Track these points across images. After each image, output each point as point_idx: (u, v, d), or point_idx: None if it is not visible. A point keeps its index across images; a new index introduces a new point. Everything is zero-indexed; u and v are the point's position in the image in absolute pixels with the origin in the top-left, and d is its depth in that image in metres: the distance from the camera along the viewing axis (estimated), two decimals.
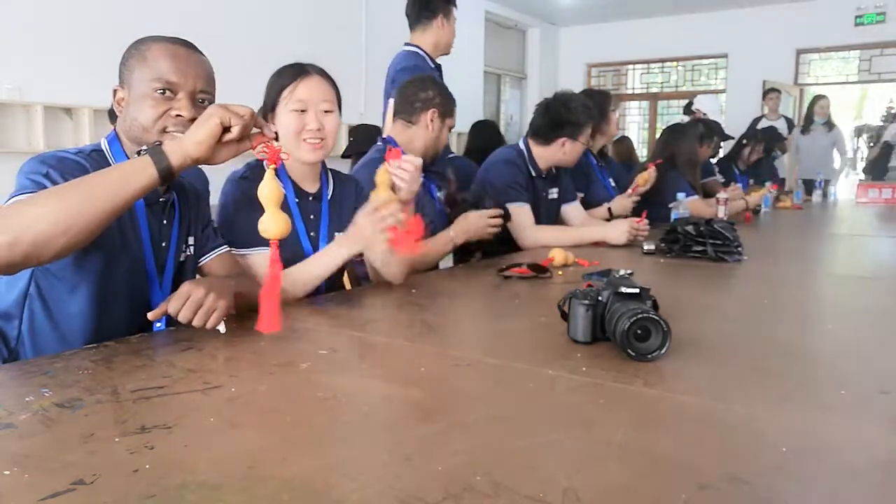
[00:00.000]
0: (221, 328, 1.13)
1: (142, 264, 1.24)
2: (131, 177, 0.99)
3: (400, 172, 1.56)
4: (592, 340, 1.09)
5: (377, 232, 1.43)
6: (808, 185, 5.50)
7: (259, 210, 1.49)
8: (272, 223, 1.08)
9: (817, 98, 6.82)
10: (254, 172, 1.55)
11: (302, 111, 1.52)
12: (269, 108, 1.57)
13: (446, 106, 2.16)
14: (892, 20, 7.09)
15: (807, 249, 2.76)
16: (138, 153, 1.03)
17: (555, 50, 9.16)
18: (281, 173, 1.58)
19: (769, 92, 7.00)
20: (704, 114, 4.85)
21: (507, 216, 2.16)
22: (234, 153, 1.07)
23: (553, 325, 1.19)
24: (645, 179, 3.10)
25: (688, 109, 5.34)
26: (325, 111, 1.53)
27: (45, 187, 1.05)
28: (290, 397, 0.87)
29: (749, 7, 7.72)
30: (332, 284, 1.70)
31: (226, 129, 1.02)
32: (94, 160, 1.19)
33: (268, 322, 1.07)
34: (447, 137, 2.22)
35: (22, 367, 0.99)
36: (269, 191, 1.08)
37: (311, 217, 1.60)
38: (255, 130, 1.08)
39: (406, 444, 0.72)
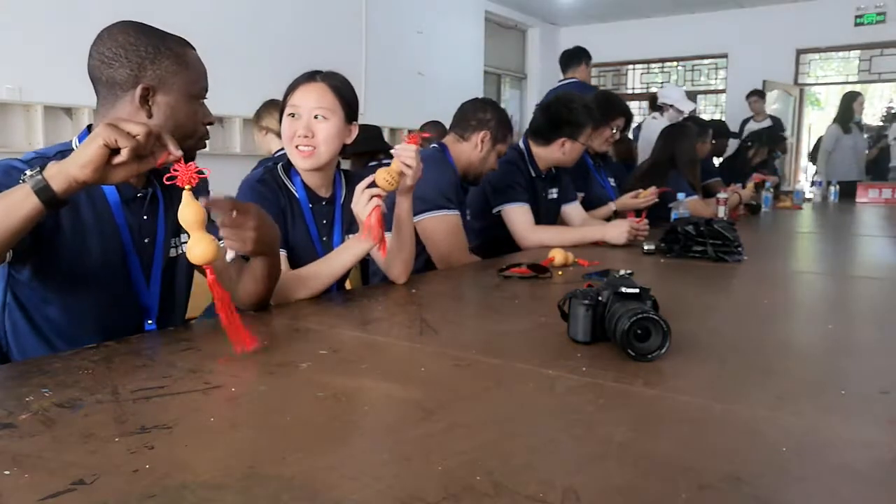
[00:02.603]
0: (230, 256, 1.14)
1: (122, 263, 1.21)
2: (13, 208, 0.93)
3: (405, 155, 1.51)
4: (592, 340, 1.09)
5: (364, 208, 1.41)
6: (849, 188, 5.42)
7: (272, 213, 1.50)
8: (198, 247, 0.98)
9: (854, 95, 6.58)
10: (271, 175, 1.57)
11: (293, 116, 1.53)
12: (280, 116, 1.58)
13: (500, 131, 2.20)
14: (892, 20, 7.09)
15: (807, 249, 2.76)
16: (22, 180, 0.97)
17: (555, 50, 9.13)
18: (294, 178, 1.59)
19: (752, 94, 6.80)
20: (671, 105, 4.84)
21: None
22: (135, 172, 0.97)
23: (553, 325, 1.19)
24: (645, 196, 3.09)
25: (654, 105, 5.28)
26: (318, 117, 1.51)
27: None
28: (290, 397, 0.87)
29: (749, 7, 7.72)
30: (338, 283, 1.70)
31: (115, 151, 0.93)
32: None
33: (240, 342, 1.02)
34: (495, 162, 2.25)
35: (22, 367, 0.99)
36: (188, 213, 0.97)
37: (325, 222, 1.61)
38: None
39: (406, 444, 0.72)
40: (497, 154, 2.24)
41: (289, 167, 1.60)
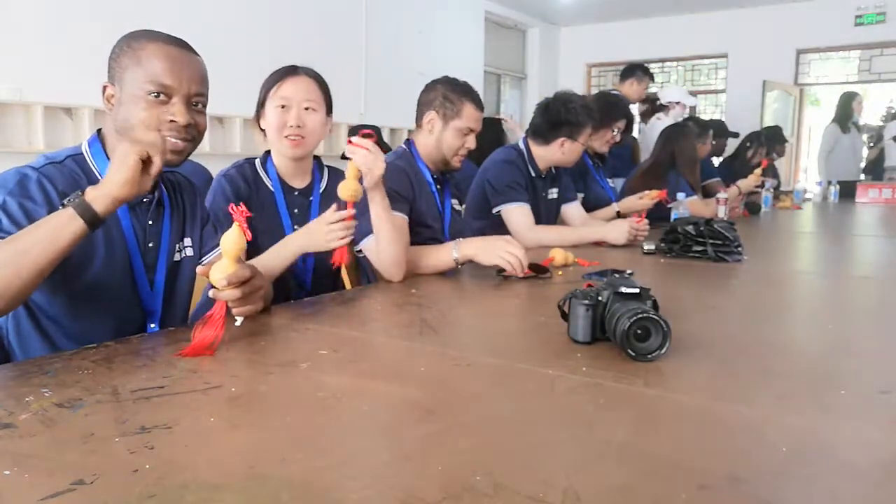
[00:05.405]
0: (239, 321, 1.15)
1: (127, 267, 1.22)
2: (59, 232, 1.00)
3: (355, 153, 1.50)
4: (592, 340, 1.09)
5: (330, 241, 1.45)
6: (849, 188, 5.44)
7: (249, 206, 1.50)
8: (220, 270, 1.08)
9: (852, 94, 6.61)
10: (241, 170, 1.63)
11: (284, 108, 1.58)
12: (260, 105, 1.63)
13: (449, 107, 1.96)
14: (892, 20, 7.09)
15: (807, 249, 2.76)
16: (63, 205, 1.05)
17: (555, 50, 9.16)
18: (269, 167, 1.65)
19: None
20: (677, 103, 4.88)
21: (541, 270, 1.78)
22: (157, 171, 1.06)
23: (553, 325, 1.19)
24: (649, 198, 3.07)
25: (655, 107, 5.28)
26: (308, 109, 1.59)
27: None
28: (290, 397, 0.87)
29: (749, 7, 7.72)
30: (333, 284, 1.70)
31: (146, 161, 1.03)
32: (67, 169, 1.17)
33: (201, 349, 1.02)
34: (457, 143, 1.96)
35: (22, 367, 0.99)
36: (231, 245, 1.07)
37: (296, 212, 1.65)
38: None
39: (406, 444, 0.72)
40: (457, 131, 1.96)
41: (266, 159, 1.66)
